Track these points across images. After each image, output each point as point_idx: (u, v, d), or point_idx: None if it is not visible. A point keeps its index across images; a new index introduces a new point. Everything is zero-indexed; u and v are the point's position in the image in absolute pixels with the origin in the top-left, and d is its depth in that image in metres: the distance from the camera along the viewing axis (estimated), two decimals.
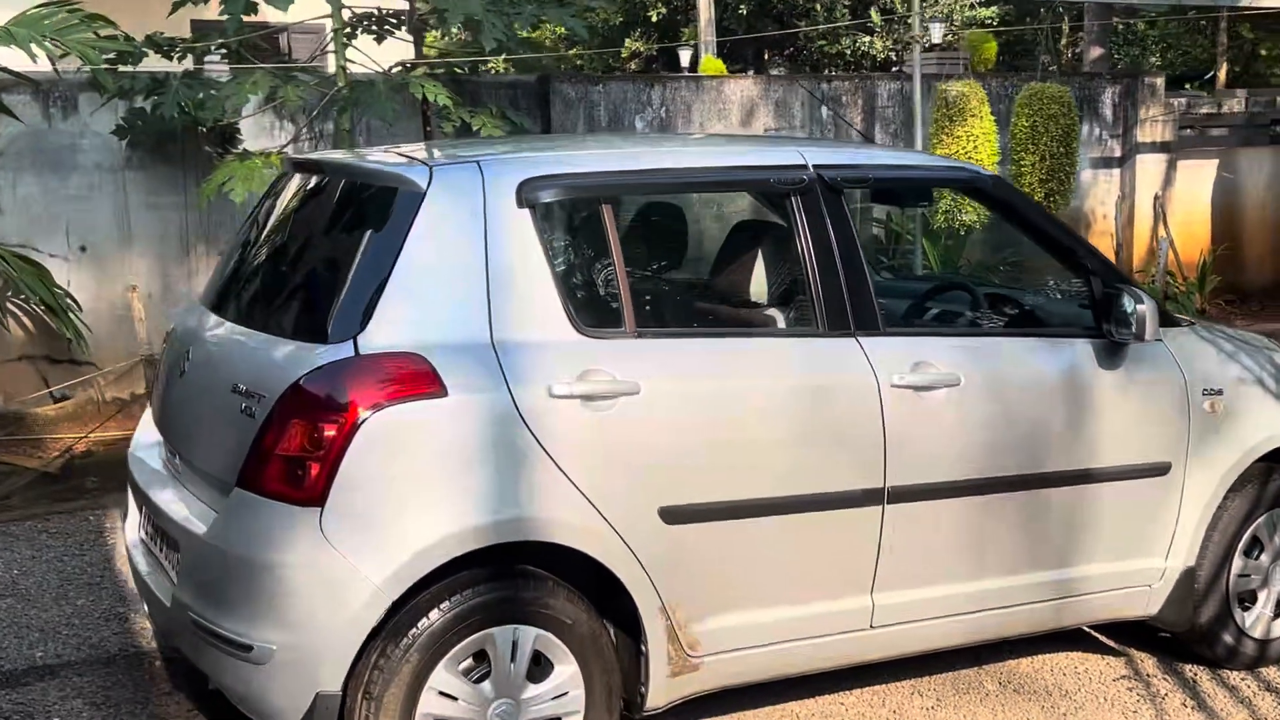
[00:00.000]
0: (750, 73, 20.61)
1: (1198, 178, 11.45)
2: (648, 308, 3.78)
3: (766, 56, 27.67)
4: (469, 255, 3.41)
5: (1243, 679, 4.52)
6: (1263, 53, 23.93)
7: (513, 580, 3.37)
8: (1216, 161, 11.60)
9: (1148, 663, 4.64)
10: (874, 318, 3.83)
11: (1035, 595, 4.11)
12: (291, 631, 3.20)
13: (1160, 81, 11.11)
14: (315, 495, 3.18)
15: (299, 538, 3.19)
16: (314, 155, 3.96)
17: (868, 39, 26.47)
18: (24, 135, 7.61)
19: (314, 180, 3.89)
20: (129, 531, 4.12)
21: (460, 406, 3.28)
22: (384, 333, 3.30)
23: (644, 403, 3.46)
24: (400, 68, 7.88)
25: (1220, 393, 4.33)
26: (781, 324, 3.97)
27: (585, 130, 8.91)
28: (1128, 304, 4.03)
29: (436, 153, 3.72)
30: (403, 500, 3.23)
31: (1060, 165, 8.47)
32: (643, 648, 3.55)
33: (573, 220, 4.10)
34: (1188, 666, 4.59)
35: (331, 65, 7.74)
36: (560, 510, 3.37)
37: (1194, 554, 4.34)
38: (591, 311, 3.60)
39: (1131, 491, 4.20)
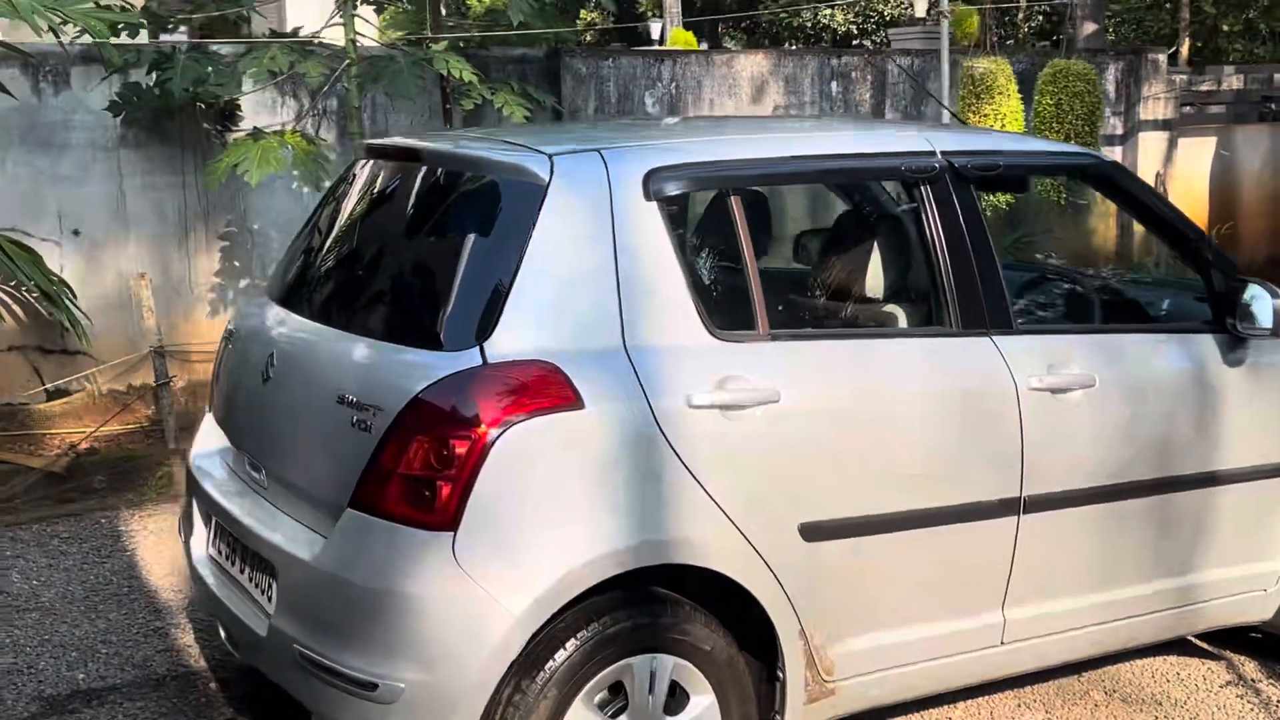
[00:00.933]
0: (733, 46, 20.36)
1: (1197, 155, 11.36)
2: (778, 307, 3.52)
3: (721, 30, 27.41)
4: (597, 253, 3.12)
5: None
6: (1224, 28, 24.02)
7: (650, 605, 3.11)
8: (1215, 139, 11.51)
9: (1248, 666, 4.48)
10: (1008, 315, 3.60)
11: (1159, 604, 3.92)
12: (423, 668, 2.92)
13: (1163, 58, 10.99)
14: (447, 519, 2.90)
15: (431, 565, 2.90)
16: (405, 142, 3.65)
17: (829, 12, 26.28)
18: (12, 112, 7.18)
19: (405, 169, 3.58)
20: (195, 548, 3.81)
21: (598, 419, 3.01)
22: (512, 339, 3.01)
23: (783, 411, 3.20)
24: (409, 41, 7.53)
25: None
26: (903, 322, 3.73)
27: (596, 107, 8.61)
28: (1263, 297, 3.84)
29: (544, 140, 3.42)
30: (541, 522, 2.96)
31: (1085, 144, 8.29)
32: (779, 674, 3.30)
33: (701, 213, 3.83)
34: None
35: (329, 38, 7.38)
36: (704, 530, 3.11)
37: None
38: (724, 313, 3.33)
39: (1252, 493, 4.02)
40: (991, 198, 8.02)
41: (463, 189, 3.36)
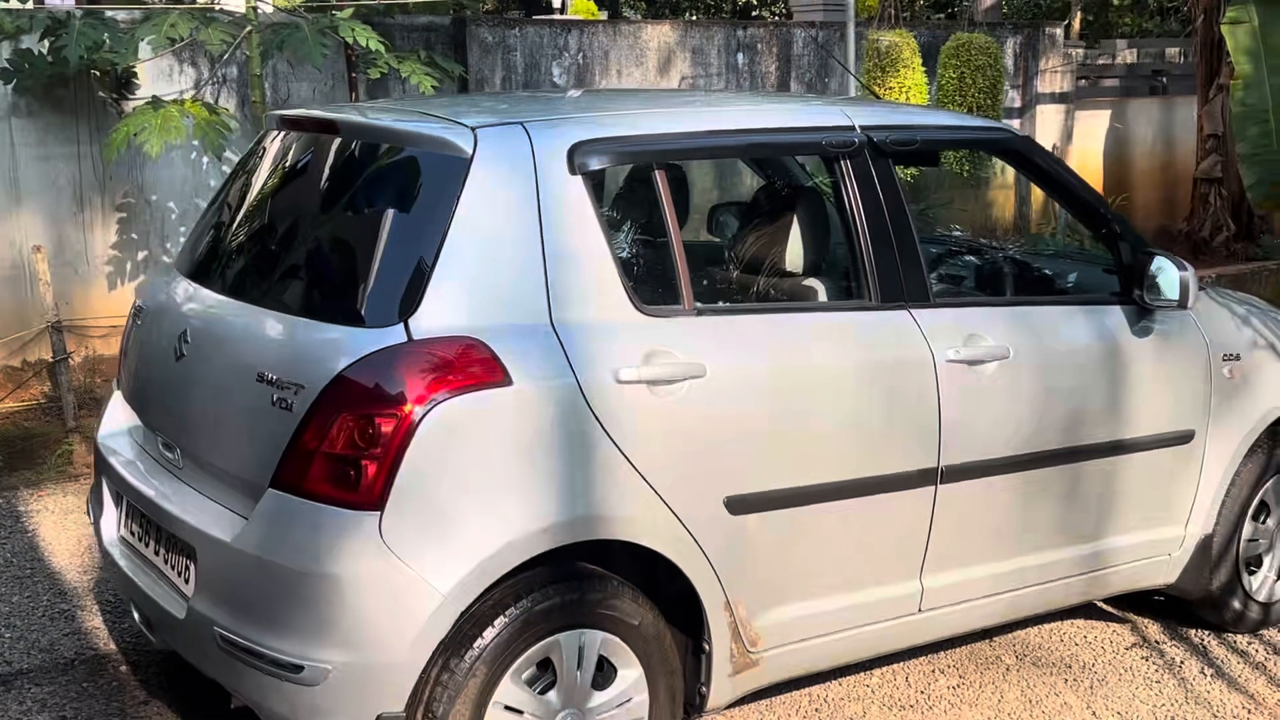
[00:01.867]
0: (633, 15, 20.26)
1: (1092, 128, 11.61)
2: (702, 281, 3.52)
3: (623, 1, 27.27)
4: (522, 227, 3.09)
5: (1249, 643, 4.52)
6: (1114, 2, 24.54)
7: (578, 581, 3.11)
8: (1109, 112, 11.78)
9: (1152, 629, 4.61)
10: (925, 288, 3.64)
11: (1070, 570, 4.02)
12: (350, 649, 2.88)
13: (1060, 32, 11.19)
14: (373, 498, 2.86)
15: (356, 545, 2.86)
16: (321, 113, 3.56)
17: None
18: None
19: (321, 140, 3.50)
20: (106, 529, 3.71)
21: (525, 396, 2.98)
22: (437, 315, 2.97)
23: (710, 386, 3.21)
24: (310, 8, 7.37)
25: (1238, 358, 4.28)
26: (823, 296, 3.75)
27: (503, 77, 8.52)
28: (1168, 269, 3.93)
29: (466, 112, 3.37)
30: (468, 501, 2.93)
31: (987, 116, 8.41)
32: (705, 646, 3.32)
33: (625, 187, 3.80)
34: (1192, 632, 4.58)
35: (230, 4, 7.20)
36: (631, 506, 3.11)
37: (1211, 521, 4.31)
38: (650, 288, 3.32)
39: (1159, 460, 4.13)
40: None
41: (382, 161, 3.30)
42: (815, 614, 3.51)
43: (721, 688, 3.37)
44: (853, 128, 3.62)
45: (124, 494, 3.59)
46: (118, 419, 3.82)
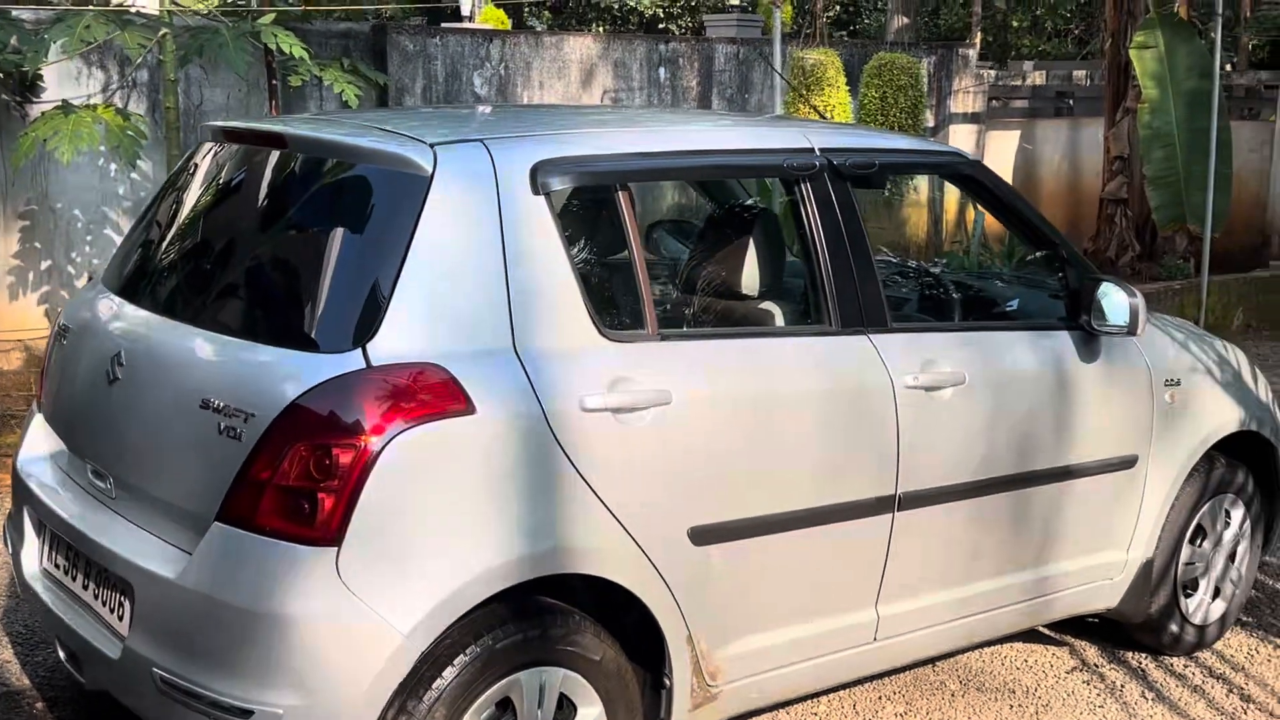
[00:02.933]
0: (539, 26, 20.13)
1: (1003, 147, 11.79)
2: (665, 305, 3.43)
3: (525, 11, 27.16)
4: (484, 249, 2.98)
5: (1185, 665, 4.56)
6: (1014, 23, 25.06)
7: (540, 617, 2.99)
8: (1019, 132, 11.97)
9: (1090, 652, 4.63)
10: (883, 313, 3.60)
11: (1020, 595, 4.01)
12: (303, 693, 2.73)
13: (973, 53, 11.35)
14: (330, 533, 2.72)
15: (311, 582, 2.71)
16: (268, 125, 3.40)
17: None
18: None
19: (266, 154, 3.34)
20: (26, 561, 3.50)
21: (489, 425, 2.87)
22: (396, 340, 2.84)
23: (675, 413, 3.12)
24: (227, 12, 7.15)
25: (1179, 383, 4.31)
26: (780, 320, 3.69)
27: (424, 86, 8.35)
28: (1117, 296, 3.94)
29: (422, 128, 3.24)
30: (430, 535, 2.80)
31: (909, 136, 8.45)
32: (665, 681, 3.23)
33: (588, 208, 3.69)
34: (1130, 654, 4.61)
35: (147, 6, 6.95)
36: (597, 538, 3.01)
37: (1152, 545, 4.34)
38: (613, 312, 3.23)
39: (1104, 486, 4.14)
40: None
41: (335, 178, 3.16)
42: (774, 645, 3.44)
43: None
44: (813, 150, 3.57)
45: (48, 524, 3.40)
46: (39, 443, 3.61)
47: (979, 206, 4.15)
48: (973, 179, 4.02)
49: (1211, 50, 10.46)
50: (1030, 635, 4.68)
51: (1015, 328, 4.09)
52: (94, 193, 7.35)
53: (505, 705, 2.98)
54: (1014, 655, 4.57)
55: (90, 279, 7.41)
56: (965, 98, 11.17)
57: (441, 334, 2.89)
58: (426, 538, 2.80)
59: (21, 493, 3.54)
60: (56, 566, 3.37)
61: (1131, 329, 3.92)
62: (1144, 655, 4.60)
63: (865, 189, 3.89)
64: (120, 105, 6.96)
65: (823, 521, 3.43)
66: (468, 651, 2.87)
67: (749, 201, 4.38)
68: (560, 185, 3.12)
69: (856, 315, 3.53)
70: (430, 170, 2.96)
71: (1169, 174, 10.69)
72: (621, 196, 3.24)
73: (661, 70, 9.44)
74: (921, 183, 10.97)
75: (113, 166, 7.33)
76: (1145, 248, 11.56)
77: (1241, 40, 20.57)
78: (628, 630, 3.20)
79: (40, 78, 6.95)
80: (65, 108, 6.04)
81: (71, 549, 3.28)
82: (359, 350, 2.81)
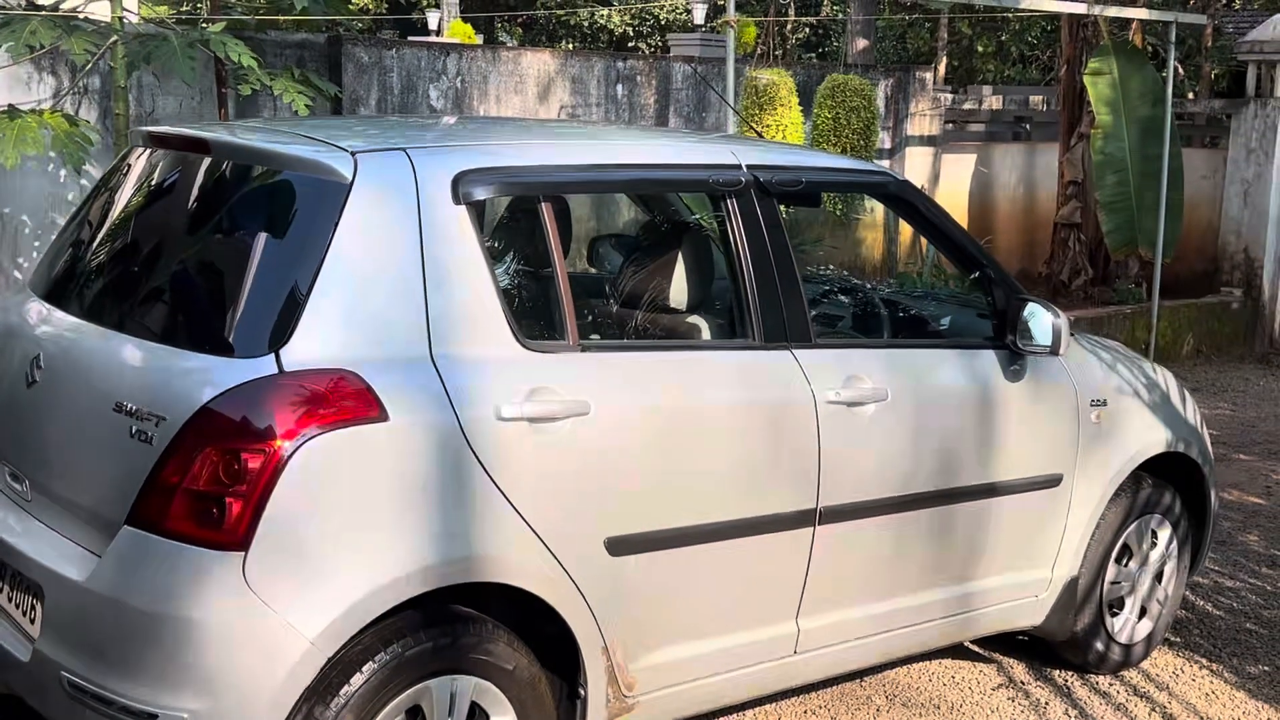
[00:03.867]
0: (509, 41, 20.20)
1: (959, 171, 11.89)
2: (586, 317, 3.45)
3: (497, 24, 27.24)
4: (402, 258, 2.99)
5: (1110, 684, 4.60)
6: (979, 49, 25.29)
7: (451, 625, 3.00)
8: (975, 156, 12.08)
9: (1018, 669, 4.67)
10: (806, 328, 3.63)
11: (943, 611, 4.04)
12: (208, 697, 2.73)
13: (930, 76, 11.44)
14: (237, 538, 2.72)
15: (218, 587, 2.71)
16: (191, 131, 3.41)
17: (605, 13, 26.42)
18: None
19: (190, 159, 3.35)
20: None
21: (402, 432, 2.88)
22: (310, 346, 2.85)
23: (593, 424, 3.14)
24: (179, 20, 7.14)
25: (1105, 403, 4.37)
26: (706, 334, 3.72)
27: (379, 98, 8.36)
28: (1040, 316, 3.99)
29: (345, 136, 3.26)
30: (340, 542, 2.81)
31: (860, 157, 8.53)
32: (580, 691, 3.24)
33: (510, 217, 3.71)
34: (1056, 672, 4.65)
35: (96, 13, 6.92)
36: (510, 547, 3.02)
37: (1077, 564, 4.38)
38: (534, 322, 3.25)
39: (1028, 504, 4.19)
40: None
41: (256, 184, 3.17)
42: (692, 657, 3.46)
43: None
44: (739, 166, 3.60)
45: None
46: None
47: (909, 226, 4.16)
48: (900, 199, 4.07)
49: (1165, 78, 10.60)
50: (959, 652, 4.72)
51: (942, 345, 4.13)
52: (43, 199, 7.31)
53: (416, 713, 2.98)
54: (941, 671, 4.61)
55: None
56: (922, 120, 11.26)
57: (356, 341, 2.91)
58: (336, 544, 2.81)
59: None
60: None
61: (1054, 348, 3.97)
62: (1070, 674, 4.64)
63: (796, 206, 3.93)
64: (71, 112, 6.93)
65: (742, 534, 3.46)
66: (377, 658, 2.87)
67: (681, 218, 4.40)
68: (482, 195, 3.14)
69: (780, 330, 3.56)
70: (350, 178, 2.98)
71: (1121, 199, 10.81)
72: (545, 208, 3.26)
73: (619, 87, 9.48)
74: (877, 205, 11.06)
75: (62, 172, 7.30)
76: (1098, 272, 11.68)
77: (1204, 69, 20.87)
78: (543, 640, 3.21)
79: None
80: (11, 112, 6.01)
81: None
82: (272, 356, 2.82)
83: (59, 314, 3.31)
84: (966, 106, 11.91)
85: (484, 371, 3.02)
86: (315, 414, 2.78)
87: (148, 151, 3.53)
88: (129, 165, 3.58)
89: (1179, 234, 10.85)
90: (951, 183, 11.74)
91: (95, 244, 3.45)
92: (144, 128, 3.59)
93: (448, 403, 2.94)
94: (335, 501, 2.81)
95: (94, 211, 3.56)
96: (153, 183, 3.43)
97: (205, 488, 2.74)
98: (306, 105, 6.61)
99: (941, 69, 23.73)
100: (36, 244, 7.33)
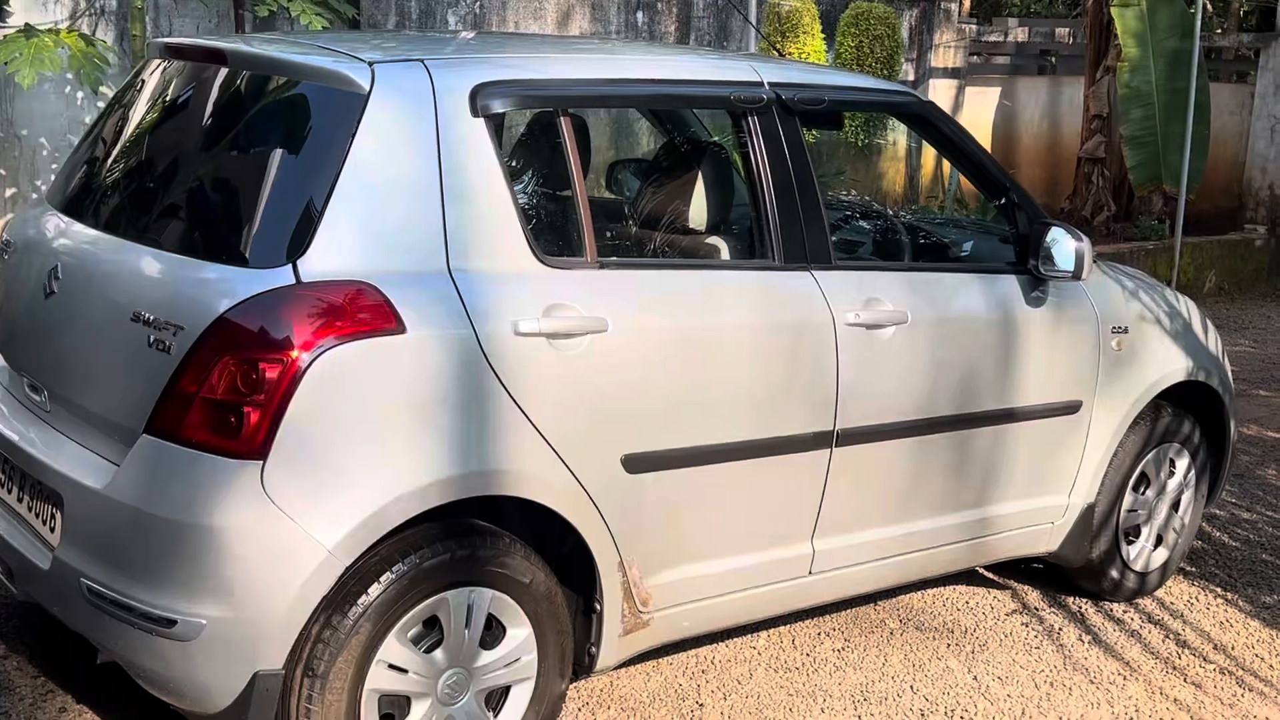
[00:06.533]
0: None
1: (982, 104, 11.75)
2: (606, 234, 3.42)
3: None
4: (420, 170, 2.97)
5: (1124, 611, 4.61)
6: None
7: (469, 538, 3.01)
8: (999, 89, 11.93)
9: (1032, 596, 4.68)
10: (827, 250, 3.60)
11: (958, 535, 4.04)
12: (227, 604, 2.75)
13: (955, 7, 11.28)
14: (255, 447, 2.73)
15: (237, 495, 2.73)
16: (209, 42, 3.37)
17: None
18: None
19: (207, 71, 3.32)
20: None
21: (419, 345, 2.87)
22: (328, 257, 2.84)
23: (611, 341, 3.13)
24: None
25: (1126, 331, 4.33)
26: (726, 254, 3.69)
27: (396, 23, 8.29)
28: (1064, 241, 3.95)
29: (362, 47, 3.22)
30: (357, 452, 2.81)
31: None
32: (596, 606, 3.26)
33: (528, 133, 3.67)
34: (1070, 599, 4.66)
35: None
36: (527, 462, 3.03)
37: (1094, 491, 4.37)
38: (552, 238, 3.23)
39: (1046, 430, 4.17)
40: None
41: (273, 95, 3.14)
42: (707, 575, 3.47)
43: (611, 648, 3.31)
44: (761, 84, 3.56)
45: None
46: None
47: (931, 148, 4.10)
48: (923, 118, 4.02)
49: (1194, 11, 10.42)
50: (973, 578, 4.73)
51: (963, 270, 4.09)
52: (60, 119, 7.30)
53: (433, 624, 3.01)
54: (955, 597, 4.62)
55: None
56: (946, 52, 11.12)
57: (374, 253, 2.89)
58: (354, 455, 2.81)
59: None
60: None
61: (1076, 273, 3.94)
62: (1084, 600, 4.65)
63: (817, 126, 3.88)
64: (86, 32, 6.89)
65: (759, 455, 3.46)
66: (395, 569, 2.89)
67: (700, 138, 4.36)
68: (500, 108, 3.11)
69: (800, 251, 3.53)
70: (368, 88, 2.95)
71: (1147, 134, 10.68)
72: (564, 122, 3.23)
73: (639, 14, 9.38)
74: (899, 137, 10.95)
75: (79, 94, 7.27)
76: (1121, 207, 11.55)
77: (1232, 4, 20.52)
78: (559, 555, 3.22)
79: (6, 2, 6.88)
80: (27, 31, 5.98)
81: (7, 462, 3.28)
82: (289, 266, 2.81)
83: (77, 226, 3.30)
84: (992, 39, 11.74)
85: (502, 286, 3.01)
86: (333, 325, 2.77)
87: (164, 64, 3.51)
88: (145, 78, 3.55)
89: (1204, 170, 10.73)
90: (975, 116, 11.61)
91: (112, 157, 3.43)
92: (160, 39, 3.56)
93: (465, 317, 2.93)
94: (353, 413, 2.81)
95: (110, 125, 3.54)
96: (169, 95, 3.41)
97: (223, 397, 2.74)
98: (324, 27, 6.56)
99: (967, 2, 23.41)
100: (54, 166, 7.31)
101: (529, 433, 3.02)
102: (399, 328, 2.84)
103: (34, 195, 7.24)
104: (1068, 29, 12.77)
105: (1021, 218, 4.09)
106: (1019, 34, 12.13)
